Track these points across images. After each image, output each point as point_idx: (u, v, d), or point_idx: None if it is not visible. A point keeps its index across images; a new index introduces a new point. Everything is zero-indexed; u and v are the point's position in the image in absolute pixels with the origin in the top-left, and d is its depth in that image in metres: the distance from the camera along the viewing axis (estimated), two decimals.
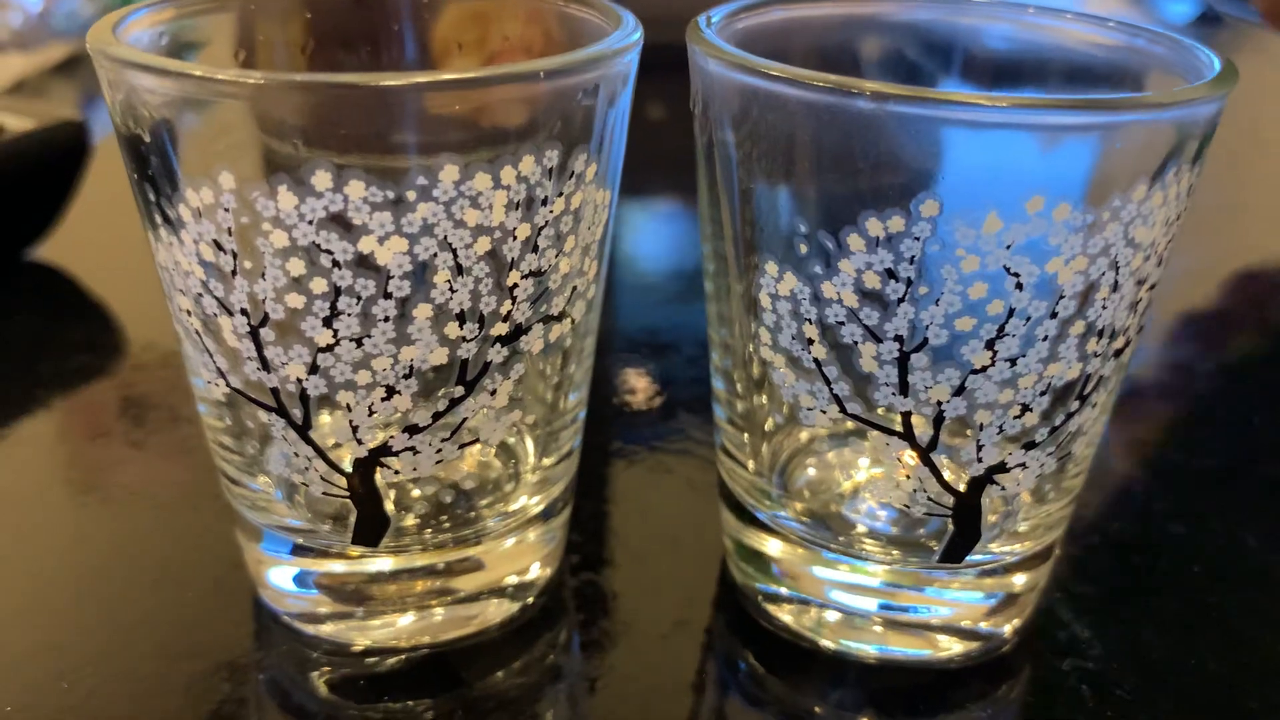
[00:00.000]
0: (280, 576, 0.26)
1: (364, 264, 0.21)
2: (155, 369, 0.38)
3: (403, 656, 0.26)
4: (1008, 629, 0.27)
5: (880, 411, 0.23)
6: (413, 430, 0.23)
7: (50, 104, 0.59)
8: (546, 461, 0.27)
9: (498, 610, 0.27)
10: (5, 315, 0.41)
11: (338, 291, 0.21)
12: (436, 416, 0.23)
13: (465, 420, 0.23)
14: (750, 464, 0.26)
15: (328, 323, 0.21)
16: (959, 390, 0.22)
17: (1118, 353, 0.23)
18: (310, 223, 0.20)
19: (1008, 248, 0.20)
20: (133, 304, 0.42)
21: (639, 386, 0.38)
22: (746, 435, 0.26)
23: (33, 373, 0.37)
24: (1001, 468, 0.23)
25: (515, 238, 0.22)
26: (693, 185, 0.26)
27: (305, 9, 0.28)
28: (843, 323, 0.22)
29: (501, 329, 0.23)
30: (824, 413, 0.24)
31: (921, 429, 0.23)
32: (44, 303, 0.42)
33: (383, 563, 0.26)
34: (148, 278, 0.40)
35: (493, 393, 0.23)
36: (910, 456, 0.23)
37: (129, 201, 0.23)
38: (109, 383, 0.38)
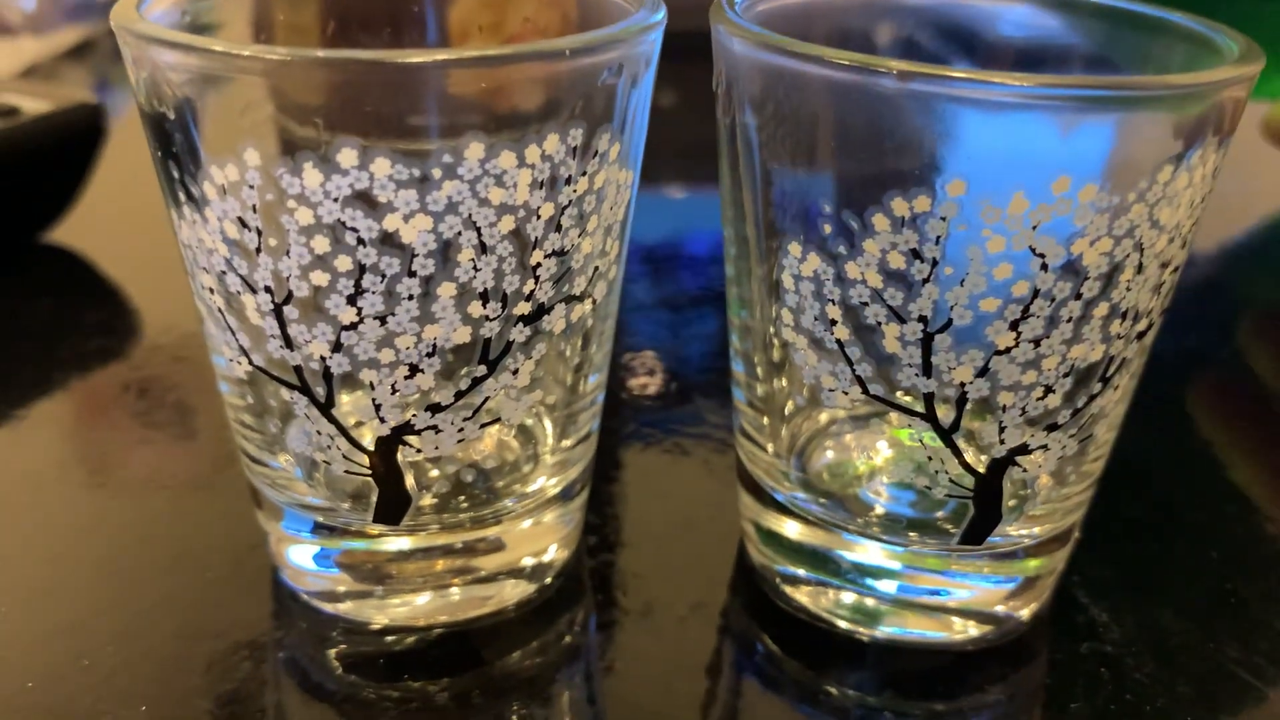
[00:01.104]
0: (301, 555, 0.26)
1: (389, 242, 0.21)
2: (171, 351, 0.38)
3: (420, 635, 0.26)
4: (1025, 612, 0.27)
5: (902, 394, 0.23)
6: (435, 409, 0.23)
7: (66, 87, 0.59)
8: (565, 443, 0.27)
9: (514, 591, 0.27)
10: (21, 298, 0.41)
11: (362, 269, 0.21)
12: (459, 395, 0.23)
13: (487, 400, 0.23)
14: (769, 446, 0.26)
15: (352, 300, 0.21)
16: (982, 371, 0.22)
17: (1140, 335, 0.23)
18: (335, 200, 0.20)
19: (1034, 228, 0.20)
20: (148, 286, 0.42)
21: (655, 370, 0.38)
22: (766, 418, 0.26)
23: (49, 356, 0.37)
24: (1023, 449, 0.23)
25: (539, 217, 0.22)
26: (701, 172, 0.26)
27: None
28: (866, 303, 0.22)
29: (524, 308, 0.23)
30: (846, 394, 0.24)
31: (944, 410, 0.23)
32: (59, 286, 0.42)
33: (402, 542, 0.26)
34: (163, 260, 0.40)
35: (514, 372, 0.23)
36: (931, 438, 0.23)
37: (145, 184, 0.23)
38: (125, 365, 0.38)
